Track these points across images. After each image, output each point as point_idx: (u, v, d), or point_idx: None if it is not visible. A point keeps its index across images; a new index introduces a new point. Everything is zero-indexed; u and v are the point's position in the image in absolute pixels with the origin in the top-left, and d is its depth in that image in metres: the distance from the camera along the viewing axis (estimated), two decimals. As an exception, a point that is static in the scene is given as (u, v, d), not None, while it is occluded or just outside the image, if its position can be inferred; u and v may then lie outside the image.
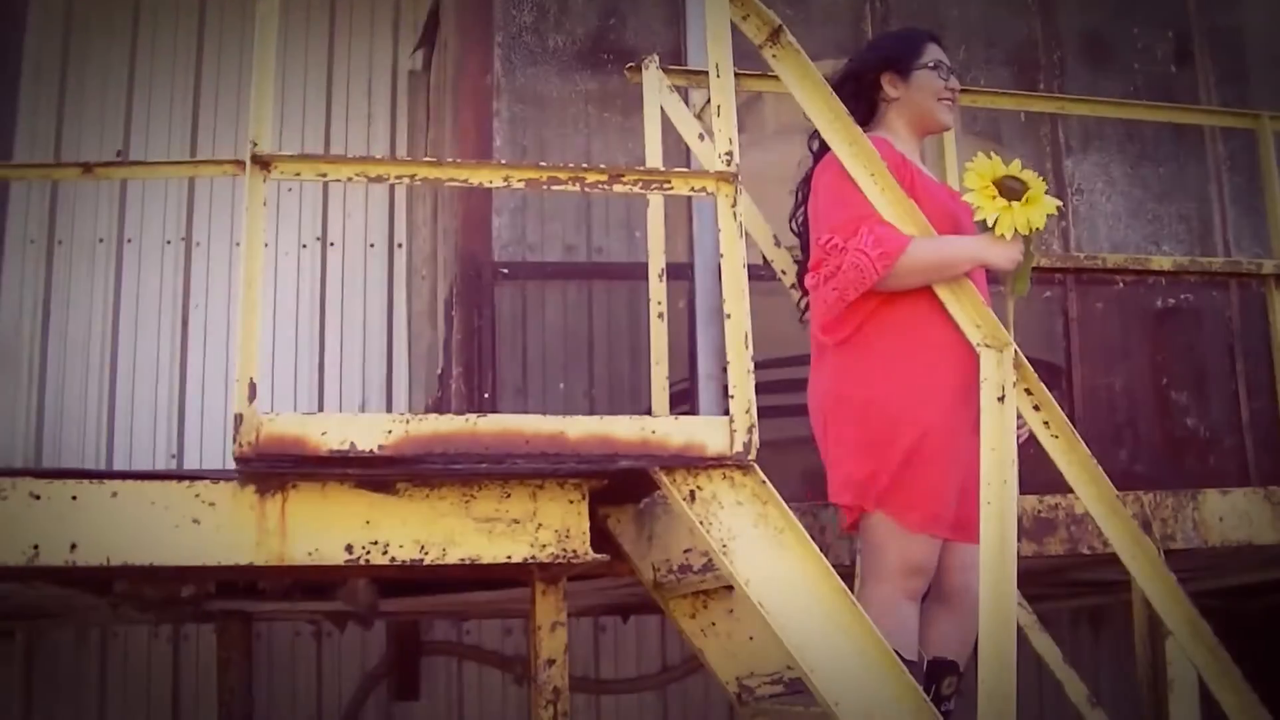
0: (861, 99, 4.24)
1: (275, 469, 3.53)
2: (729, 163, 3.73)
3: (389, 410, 7.68)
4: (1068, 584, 6.64)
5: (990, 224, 3.88)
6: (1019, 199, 3.86)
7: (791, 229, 4.44)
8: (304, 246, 7.91)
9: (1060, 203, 3.95)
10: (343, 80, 8.14)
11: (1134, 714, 5.15)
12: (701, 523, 3.59)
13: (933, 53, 4.26)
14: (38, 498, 3.50)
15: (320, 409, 7.62)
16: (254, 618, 7.09)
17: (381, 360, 7.86)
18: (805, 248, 4.29)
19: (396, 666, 7.81)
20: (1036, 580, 5.97)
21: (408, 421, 3.51)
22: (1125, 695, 6.43)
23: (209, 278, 7.79)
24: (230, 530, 3.59)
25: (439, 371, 6.06)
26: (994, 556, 3.67)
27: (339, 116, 8.09)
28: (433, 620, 7.79)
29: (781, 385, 4.65)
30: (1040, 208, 3.87)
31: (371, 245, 7.97)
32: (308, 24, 8.12)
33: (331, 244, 7.96)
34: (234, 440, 3.39)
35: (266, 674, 7.69)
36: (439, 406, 5.91)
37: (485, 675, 7.97)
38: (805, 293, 4.22)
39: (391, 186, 7.91)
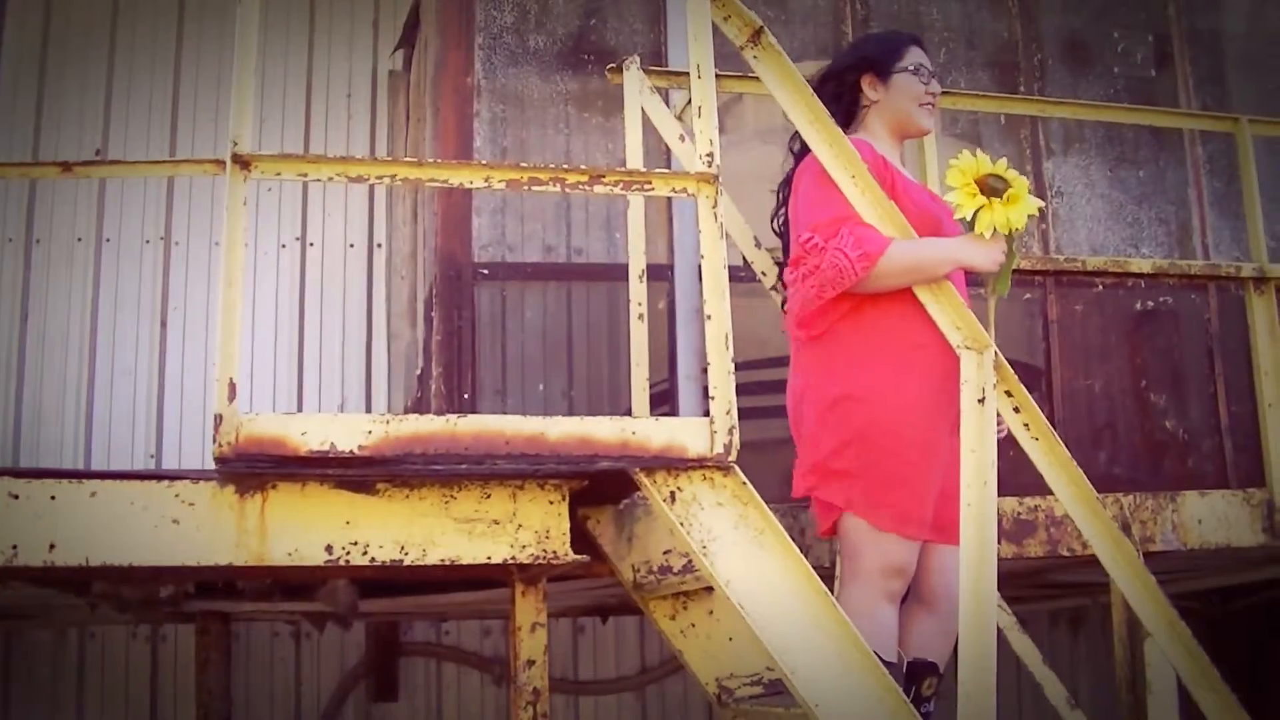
0: (842, 100, 4.25)
1: (255, 469, 3.52)
2: (710, 164, 3.73)
3: (368, 410, 7.68)
4: (1047, 586, 6.66)
5: (969, 221, 3.89)
6: (1000, 198, 3.86)
7: (773, 230, 4.44)
8: (283, 246, 7.89)
9: (1042, 204, 3.94)
10: (323, 80, 8.12)
11: (1113, 715, 5.16)
12: (682, 524, 3.59)
13: (914, 56, 4.26)
14: (16, 497, 3.50)
15: (300, 409, 7.60)
16: (233, 618, 7.08)
17: (361, 360, 7.84)
18: (786, 249, 4.29)
19: (375, 667, 7.80)
20: (1016, 582, 6.00)
21: (388, 422, 3.50)
22: (1104, 696, 6.45)
23: (188, 277, 7.77)
24: (210, 530, 3.59)
25: (418, 372, 6.05)
26: (974, 558, 3.67)
27: (319, 116, 8.07)
28: (412, 621, 7.78)
29: (762, 386, 4.66)
30: (1021, 208, 3.86)
31: (351, 245, 7.96)
32: (288, 23, 8.11)
33: (311, 244, 7.94)
34: (213, 440, 3.39)
35: (245, 674, 7.67)
36: (418, 407, 5.90)
37: (464, 676, 7.96)
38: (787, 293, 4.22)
39: (371, 187, 7.90)
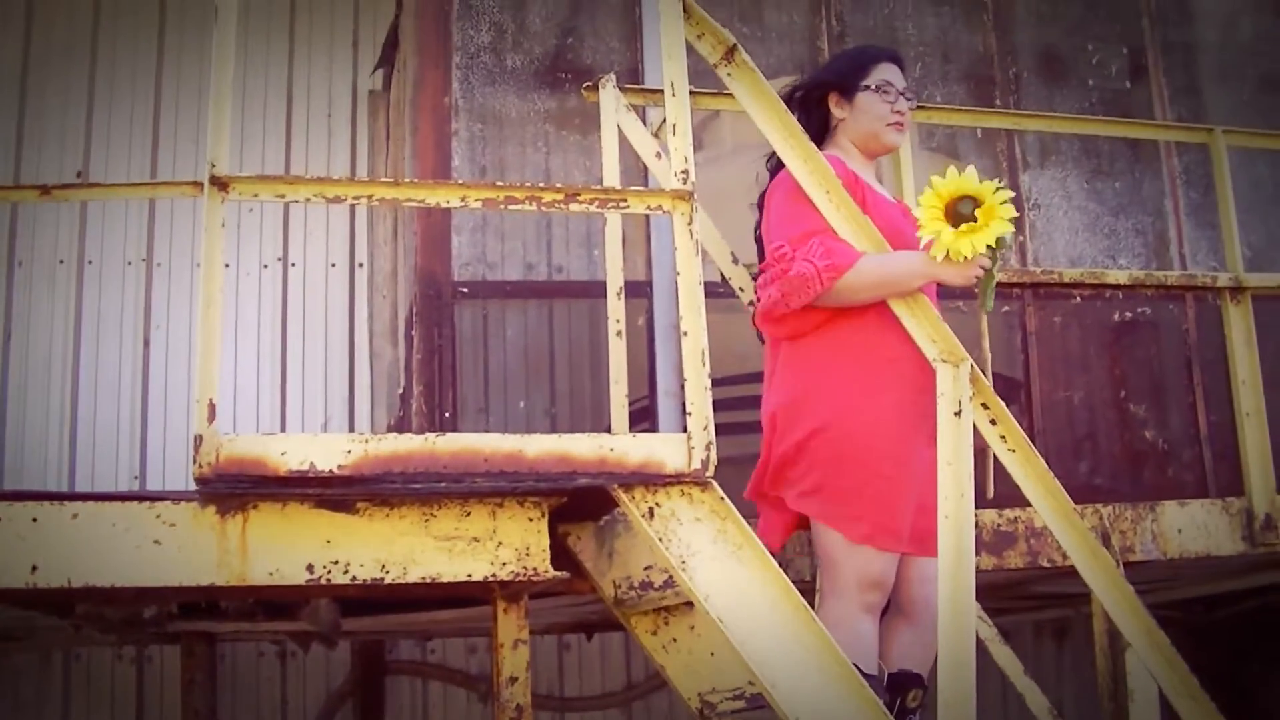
0: (813, 117, 4.25)
1: (235, 490, 3.53)
2: (684, 180, 3.75)
3: (352, 429, 7.68)
4: (1030, 597, 6.67)
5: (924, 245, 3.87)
6: (964, 225, 3.82)
7: (755, 240, 4.46)
8: (265, 267, 7.90)
9: (1012, 228, 3.91)
10: (303, 100, 8.13)
11: (1097, 725, 5.18)
12: (660, 539, 3.60)
13: (881, 73, 4.21)
14: (-2, 520, 3.50)
15: (283, 429, 7.61)
16: (218, 638, 7.05)
17: (344, 380, 7.85)
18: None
19: (362, 686, 7.79)
20: (998, 593, 6.00)
21: (366, 441, 3.52)
22: (1089, 706, 6.46)
23: (170, 298, 7.78)
24: (191, 551, 3.59)
25: (400, 391, 6.06)
26: (952, 570, 3.69)
27: (299, 137, 8.08)
28: (397, 639, 7.78)
29: (741, 402, 4.67)
30: (982, 235, 3.79)
31: (333, 265, 7.97)
32: (268, 44, 8.11)
33: (293, 264, 7.95)
34: (194, 461, 3.40)
35: (231, 695, 7.66)
36: (401, 425, 5.91)
37: (450, 694, 7.96)
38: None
39: (352, 206, 7.91)
